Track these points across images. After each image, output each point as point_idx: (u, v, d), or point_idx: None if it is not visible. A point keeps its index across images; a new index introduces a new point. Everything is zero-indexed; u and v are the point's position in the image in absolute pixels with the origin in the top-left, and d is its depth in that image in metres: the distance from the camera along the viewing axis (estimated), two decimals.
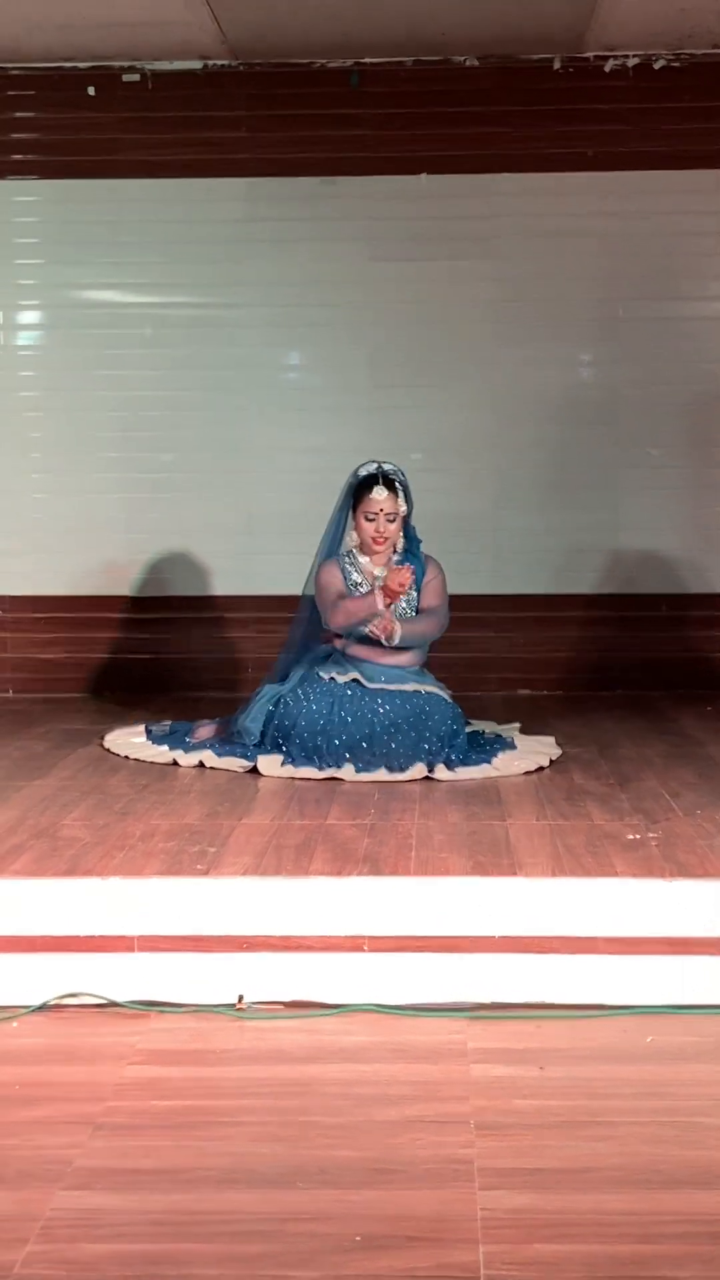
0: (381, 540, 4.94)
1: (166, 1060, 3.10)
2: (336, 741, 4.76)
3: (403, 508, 4.96)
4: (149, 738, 5.25)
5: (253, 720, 4.92)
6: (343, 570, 4.99)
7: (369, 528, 4.94)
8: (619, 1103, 2.87)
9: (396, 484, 4.95)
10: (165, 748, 5.06)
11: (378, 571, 4.99)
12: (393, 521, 4.94)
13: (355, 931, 3.39)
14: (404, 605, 4.95)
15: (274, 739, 4.85)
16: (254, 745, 4.89)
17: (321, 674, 4.90)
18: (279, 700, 4.88)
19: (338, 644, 5.02)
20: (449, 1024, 3.26)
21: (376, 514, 4.92)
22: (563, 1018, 3.29)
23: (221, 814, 4.19)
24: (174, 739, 5.18)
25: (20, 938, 3.40)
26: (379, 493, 4.91)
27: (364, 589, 4.96)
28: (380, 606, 4.86)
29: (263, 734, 4.89)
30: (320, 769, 4.71)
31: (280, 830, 3.97)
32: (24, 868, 3.60)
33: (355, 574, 5.00)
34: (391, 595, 4.85)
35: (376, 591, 4.88)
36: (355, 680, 4.88)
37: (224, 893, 3.45)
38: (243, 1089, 2.96)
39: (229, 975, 3.37)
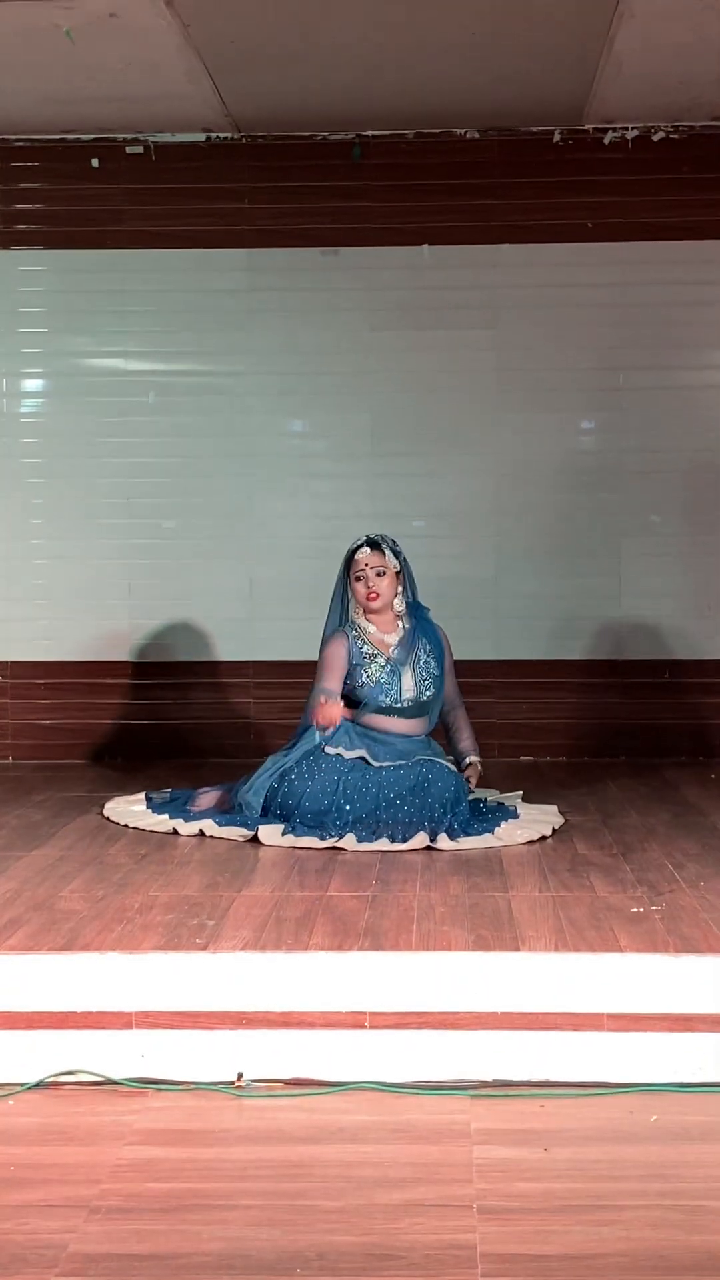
0: (374, 596, 4.98)
1: (163, 1140, 3.05)
2: (339, 820, 4.74)
3: (392, 563, 5.03)
4: (149, 806, 5.22)
5: (254, 794, 4.89)
6: (351, 643, 5.01)
7: (359, 587, 5.01)
8: (624, 1185, 2.82)
9: (383, 544, 5.04)
10: (165, 816, 5.03)
11: (389, 639, 5.01)
12: (382, 576, 5.01)
13: (356, 1007, 3.35)
14: (424, 682, 4.98)
15: (276, 814, 4.83)
16: (255, 818, 4.86)
17: (328, 749, 4.88)
18: (282, 776, 4.86)
19: (348, 715, 5.01)
20: (451, 1103, 3.21)
21: (364, 570, 4.99)
22: (566, 1096, 3.24)
23: (221, 885, 4.15)
24: (174, 807, 5.16)
25: (17, 1014, 3.36)
26: (362, 552, 5.04)
27: (379, 660, 4.99)
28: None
29: (265, 808, 4.87)
30: (322, 839, 4.68)
31: (280, 902, 3.94)
32: (21, 943, 3.56)
33: (366, 645, 5.02)
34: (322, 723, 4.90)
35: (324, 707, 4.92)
36: (361, 758, 4.86)
37: (223, 968, 3.41)
38: (240, 1171, 2.91)
39: (228, 1052, 3.32)
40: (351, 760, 4.85)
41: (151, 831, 4.91)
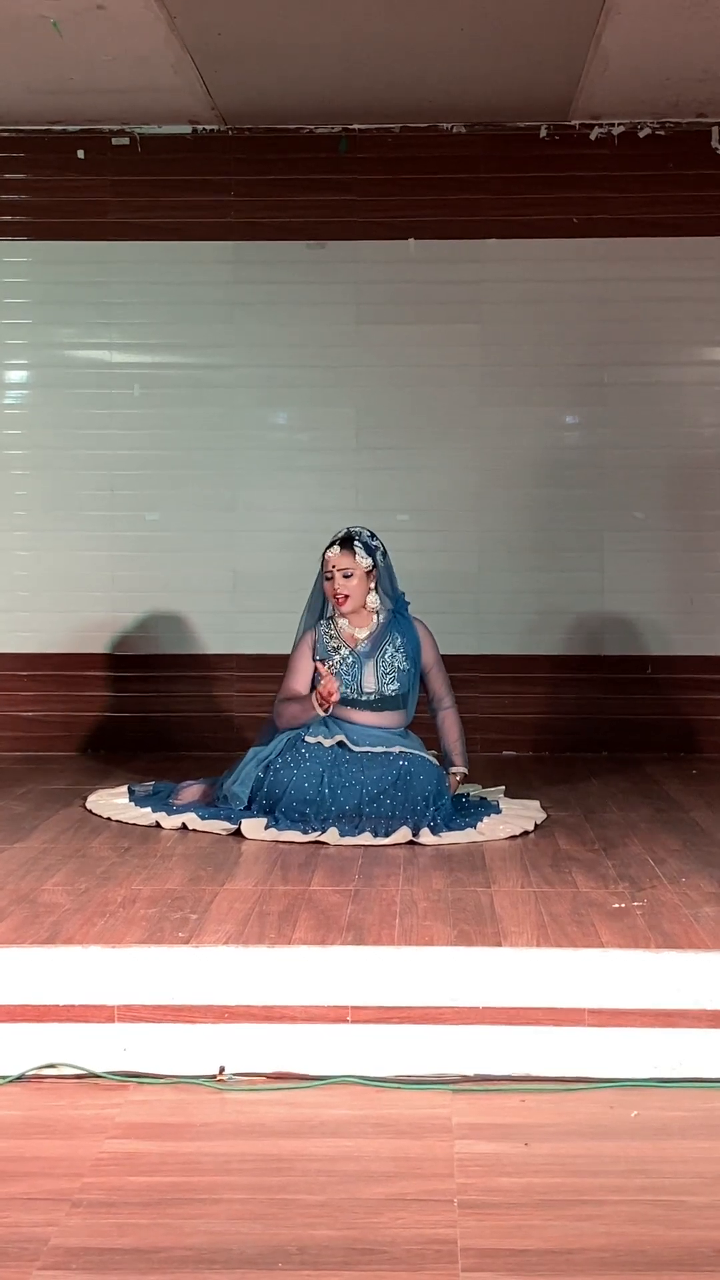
0: (342, 599, 4.96)
1: (145, 1134, 3.05)
2: (325, 812, 4.75)
3: (363, 563, 4.97)
4: (131, 799, 5.22)
5: (240, 785, 4.89)
6: (320, 638, 5.01)
7: (328, 588, 5.00)
8: (604, 1180, 2.83)
9: (355, 542, 4.99)
10: (148, 809, 5.03)
11: (359, 633, 5.01)
12: (349, 577, 4.96)
13: (338, 1002, 3.36)
14: (386, 676, 4.97)
15: (262, 805, 4.83)
16: (240, 809, 4.87)
17: (308, 738, 4.89)
18: (267, 766, 4.86)
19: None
20: (433, 1097, 3.22)
21: (332, 571, 4.97)
22: (547, 1091, 3.25)
23: (204, 879, 4.16)
24: (157, 800, 5.16)
25: None
26: (332, 551, 5.00)
27: (343, 652, 4.98)
28: (319, 712, 4.87)
29: (250, 799, 4.87)
30: (305, 833, 4.68)
31: (263, 896, 3.94)
32: (3, 935, 3.56)
33: (334, 639, 5.02)
34: (325, 700, 4.85)
35: (313, 698, 4.88)
36: (341, 744, 4.87)
37: (205, 962, 3.42)
38: (222, 1165, 2.91)
39: (210, 1046, 3.33)
40: (333, 748, 4.86)
41: (134, 825, 4.91)
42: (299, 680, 5.02)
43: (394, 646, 5.02)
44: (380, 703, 4.99)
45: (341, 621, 5.04)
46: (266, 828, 4.71)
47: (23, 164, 6.57)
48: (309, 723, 4.92)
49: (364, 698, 4.98)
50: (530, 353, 6.56)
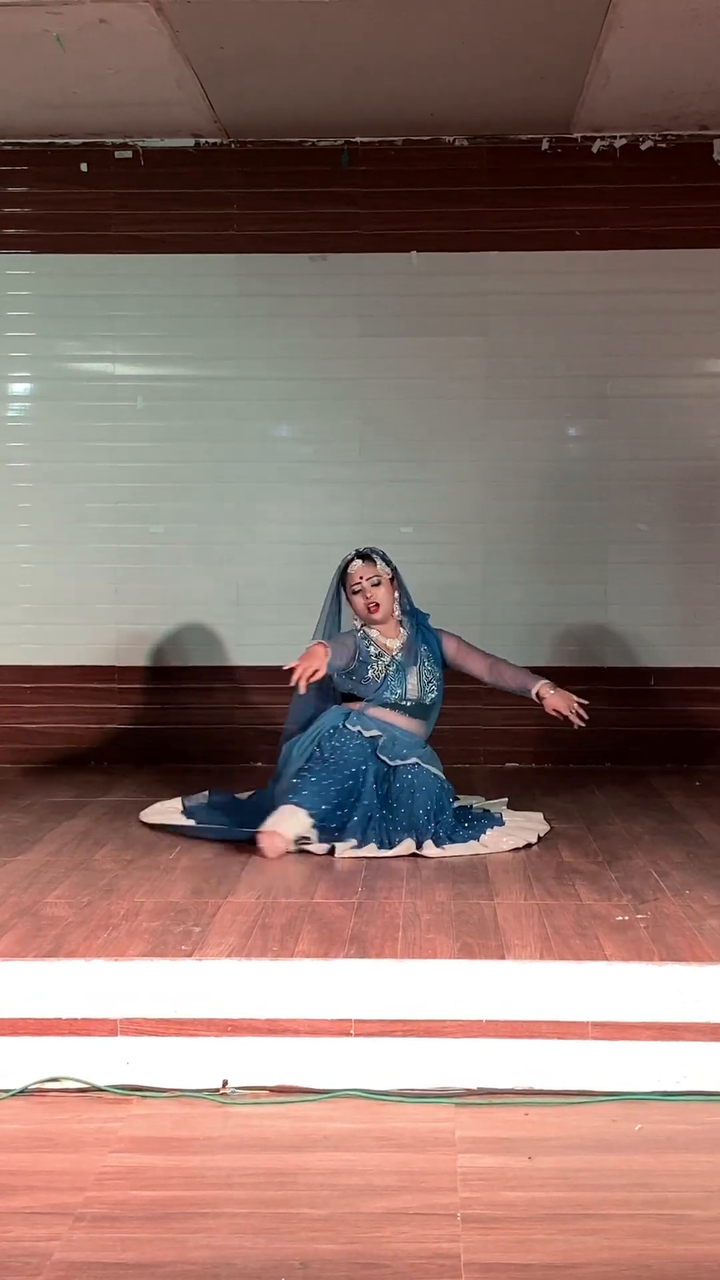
0: (375, 607, 5.00)
1: (148, 1148, 3.05)
2: (348, 809, 4.73)
3: (384, 570, 5.05)
4: (184, 812, 5.21)
5: (298, 756, 4.89)
6: (359, 642, 5.03)
7: (359, 600, 5.04)
8: (608, 1194, 2.83)
9: (373, 554, 5.08)
10: (194, 821, 5.05)
11: (393, 644, 5.04)
12: (377, 585, 5.03)
13: (341, 1015, 3.36)
14: (428, 684, 4.99)
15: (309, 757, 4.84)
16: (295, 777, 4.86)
17: (348, 725, 4.90)
18: (319, 744, 4.88)
19: (355, 706, 5.03)
20: (436, 1111, 3.22)
21: (360, 583, 5.02)
22: (551, 1104, 3.25)
23: (206, 891, 4.16)
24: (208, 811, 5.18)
25: (1, 1020, 3.36)
26: (354, 565, 5.06)
27: (385, 659, 5.03)
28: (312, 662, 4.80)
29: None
30: (322, 839, 4.69)
31: (266, 909, 3.94)
32: (6, 948, 3.56)
33: (372, 646, 5.04)
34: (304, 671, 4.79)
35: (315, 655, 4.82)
36: (374, 739, 4.88)
37: (208, 975, 3.42)
38: (225, 1179, 2.91)
39: (213, 1059, 3.33)
40: (368, 742, 4.87)
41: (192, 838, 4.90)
42: (336, 646, 4.93)
43: (426, 657, 5.06)
44: (418, 709, 5.04)
45: (372, 632, 5.07)
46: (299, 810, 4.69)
47: (26, 177, 6.59)
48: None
49: (407, 704, 5.02)
50: (533, 365, 6.56)
